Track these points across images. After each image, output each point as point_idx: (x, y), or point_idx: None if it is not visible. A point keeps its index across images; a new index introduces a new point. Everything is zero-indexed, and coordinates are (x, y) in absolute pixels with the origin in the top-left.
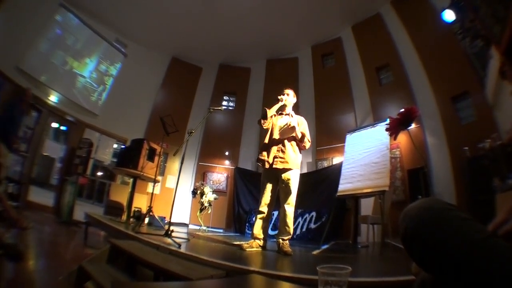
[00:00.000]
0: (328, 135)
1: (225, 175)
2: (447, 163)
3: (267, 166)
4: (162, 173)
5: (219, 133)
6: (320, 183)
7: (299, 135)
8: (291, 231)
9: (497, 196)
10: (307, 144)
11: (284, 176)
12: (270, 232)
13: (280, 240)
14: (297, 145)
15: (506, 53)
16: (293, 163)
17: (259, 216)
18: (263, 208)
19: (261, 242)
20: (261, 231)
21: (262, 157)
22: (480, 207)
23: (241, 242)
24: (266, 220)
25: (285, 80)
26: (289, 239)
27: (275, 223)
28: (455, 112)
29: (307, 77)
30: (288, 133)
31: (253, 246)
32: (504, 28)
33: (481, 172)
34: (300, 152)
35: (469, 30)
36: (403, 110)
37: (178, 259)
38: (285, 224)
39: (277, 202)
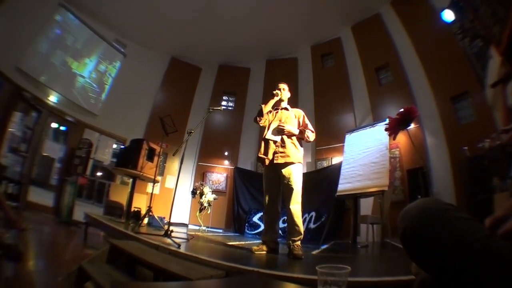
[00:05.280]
0: (327, 135)
1: (225, 175)
2: (447, 163)
3: (267, 163)
4: (162, 173)
5: (218, 133)
6: (319, 183)
7: (295, 132)
8: (302, 231)
9: (496, 196)
10: (311, 136)
11: (285, 171)
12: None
13: (290, 242)
14: (297, 138)
15: (505, 53)
16: (295, 156)
17: (265, 218)
18: (269, 209)
19: (272, 245)
20: (270, 234)
21: (261, 155)
22: (480, 207)
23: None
24: (274, 222)
25: (285, 80)
26: (300, 240)
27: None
28: (455, 112)
29: (307, 77)
30: (280, 133)
31: (263, 249)
32: (503, 28)
33: (481, 171)
34: (302, 145)
35: (469, 30)
36: (402, 110)
37: (177, 259)
38: (294, 224)
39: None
